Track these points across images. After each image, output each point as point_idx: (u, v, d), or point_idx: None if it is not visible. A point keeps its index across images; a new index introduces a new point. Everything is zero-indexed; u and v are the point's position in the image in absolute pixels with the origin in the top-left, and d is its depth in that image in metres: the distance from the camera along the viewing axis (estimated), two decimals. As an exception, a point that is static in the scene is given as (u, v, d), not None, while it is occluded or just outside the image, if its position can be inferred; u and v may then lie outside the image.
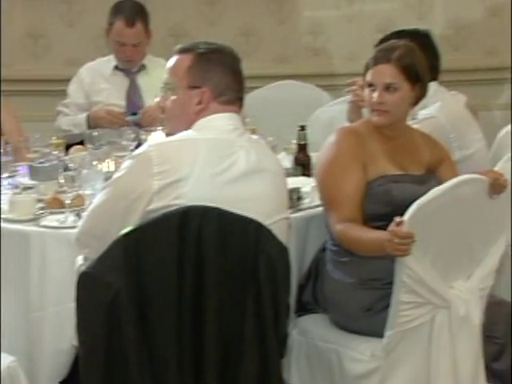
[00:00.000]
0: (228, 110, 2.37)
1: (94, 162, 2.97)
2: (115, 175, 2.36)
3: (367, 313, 2.56)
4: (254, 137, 2.51)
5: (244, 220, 2.19)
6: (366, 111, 2.82)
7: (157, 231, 2.14)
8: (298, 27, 4.49)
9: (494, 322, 2.59)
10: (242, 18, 4.44)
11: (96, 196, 2.44)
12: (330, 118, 3.56)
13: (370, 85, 2.68)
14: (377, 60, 2.68)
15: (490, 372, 2.57)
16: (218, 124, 2.35)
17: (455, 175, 2.57)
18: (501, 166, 2.80)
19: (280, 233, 2.28)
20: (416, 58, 2.68)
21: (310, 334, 2.67)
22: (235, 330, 2.17)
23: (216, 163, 2.28)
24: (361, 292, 2.58)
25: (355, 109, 3.07)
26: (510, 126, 3.32)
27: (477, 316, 2.47)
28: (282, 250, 2.24)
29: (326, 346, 2.61)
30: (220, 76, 2.36)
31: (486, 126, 3.63)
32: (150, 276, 2.13)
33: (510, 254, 2.81)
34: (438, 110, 3.18)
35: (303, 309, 2.75)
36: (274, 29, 4.47)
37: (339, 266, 2.64)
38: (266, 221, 2.24)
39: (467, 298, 2.46)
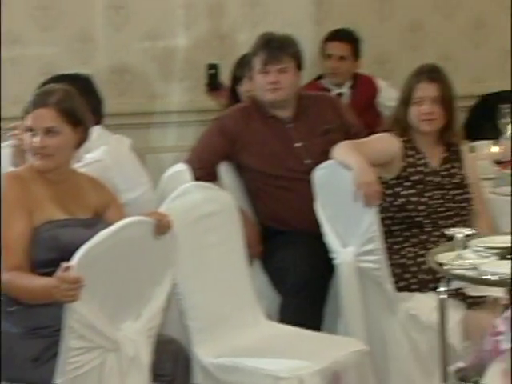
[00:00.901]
0: None
1: None
2: None
3: (35, 363, 2.50)
4: None
5: None
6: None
7: None
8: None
9: (163, 360, 2.64)
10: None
11: None
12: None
13: (31, 129, 2.66)
14: (35, 104, 2.66)
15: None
16: None
17: (122, 218, 2.60)
18: (166, 207, 2.90)
19: None
20: (75, 102, 2.70)
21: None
22: None
23: None
24: (28, 341, 2.51)
25: (19, 153, 3.01)
26: (173, 168, 3.44)
27: (145, 356, 2.50)
28: None
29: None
30: None
31: (154, 168, 3.73)
32: None
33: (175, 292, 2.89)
34: (103, 153, 3.22)
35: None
36: None
37: (6, 316, 2.55)
38: None
39: (136, 338, 2.49)
